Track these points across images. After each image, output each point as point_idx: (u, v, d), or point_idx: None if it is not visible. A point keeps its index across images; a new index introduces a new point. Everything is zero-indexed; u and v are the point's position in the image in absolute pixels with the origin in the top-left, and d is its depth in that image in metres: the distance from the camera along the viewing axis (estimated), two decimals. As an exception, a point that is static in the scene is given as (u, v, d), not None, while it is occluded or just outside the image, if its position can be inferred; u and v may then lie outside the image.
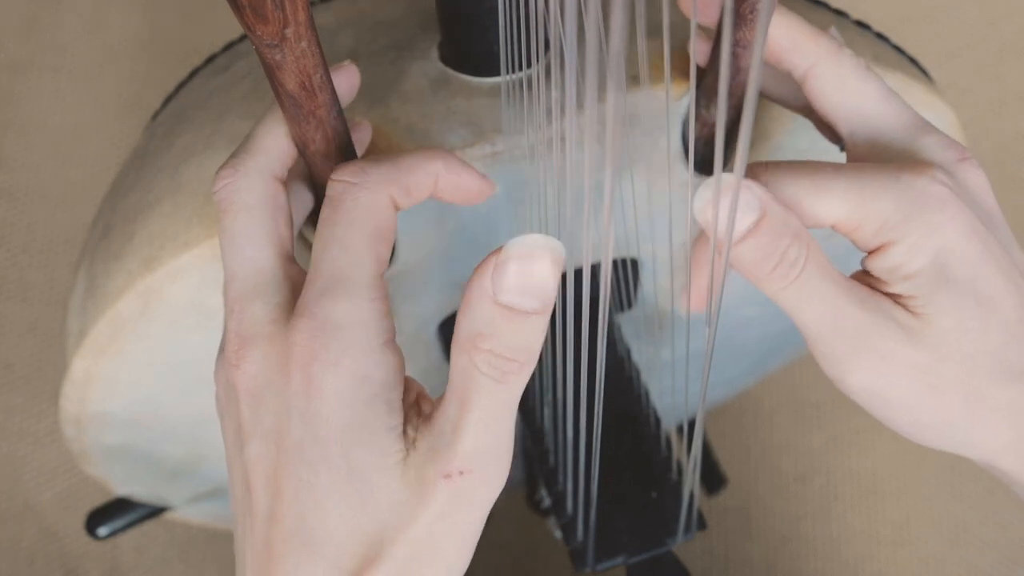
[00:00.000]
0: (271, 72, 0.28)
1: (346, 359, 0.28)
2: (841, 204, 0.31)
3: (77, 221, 0.78)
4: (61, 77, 0.85)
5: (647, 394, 0.46)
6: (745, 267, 0.30)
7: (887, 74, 0.42)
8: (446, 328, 0.46)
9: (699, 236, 0.35)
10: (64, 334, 0.43)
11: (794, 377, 0.73)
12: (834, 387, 0.68)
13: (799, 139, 0.42)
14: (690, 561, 0.43)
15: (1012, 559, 0.69)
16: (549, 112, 0.35)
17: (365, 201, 0.29)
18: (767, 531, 0.70)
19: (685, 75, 0.38)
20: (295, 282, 0.30)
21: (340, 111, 0.31)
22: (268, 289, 0.30)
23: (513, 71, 0.36)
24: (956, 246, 0.30)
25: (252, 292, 0.30)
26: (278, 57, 0.27)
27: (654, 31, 0.38)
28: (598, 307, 0.29)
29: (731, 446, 0.72)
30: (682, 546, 0.43)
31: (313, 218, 0.36)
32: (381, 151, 0.37)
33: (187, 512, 0.57)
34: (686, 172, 0.41)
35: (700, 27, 0.35)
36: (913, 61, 0.46)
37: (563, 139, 0.35)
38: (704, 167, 0.39)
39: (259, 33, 0.26)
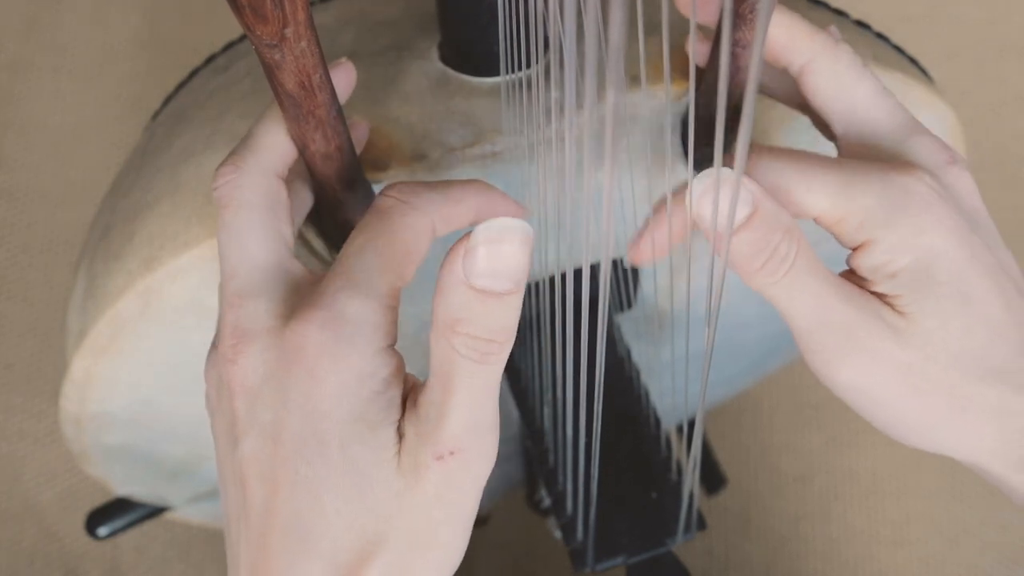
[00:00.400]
0: (270, 72, 0.28)
1: (354, 354, 0.28)
2: (826, 195, 0.31)
3: (77, 221, 0.78)
4: (61, 77, 0.85)
5: (647, 394, 0.46)
6: (736, 261, 0.30)
7: (887, 74, 0.42)
8: (446, 328, 0.46)
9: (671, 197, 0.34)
10: (64, 334, 0.43)
11: (794, 377, 0.73)
12: (834, 387, 0.66)
13: (798, 138, 0.42)
14: (690, 561, 0.43)
15: (1012, 559, 0.69)
16: (549, 112, 0.35)
17: (411, 221, 0.29)
18: (767, 531, 0.70)
19: (684, 75, 0.38)
20: (295, 280, 0.30)
21: (340, 111, 0.31)
22: (270, 285, 0.30)
23: (513, 71, 0.36)
24: (940, 247, 0.31)
25: (254, 288, 0.30)
26: (277, 57, 0.27)
27: (653, 30, 0.38)
28: (598, 307, 0.29)
29: (731, 446, 0.72)
30: (682, 546, 0.43)
31: (312, 217, 0.36)
32: (381, 151, 0.37)
33: (187, 512, 0.57)
34: (686, 172, 0.41)
35: (699, 27, 0.36)
36: (913, 61, 0.46)
37: (563, 139, 0.35)
38: (704, 167, 0.39)
39: (259, 33, 0.26)
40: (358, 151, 0.35)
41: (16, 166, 0.82)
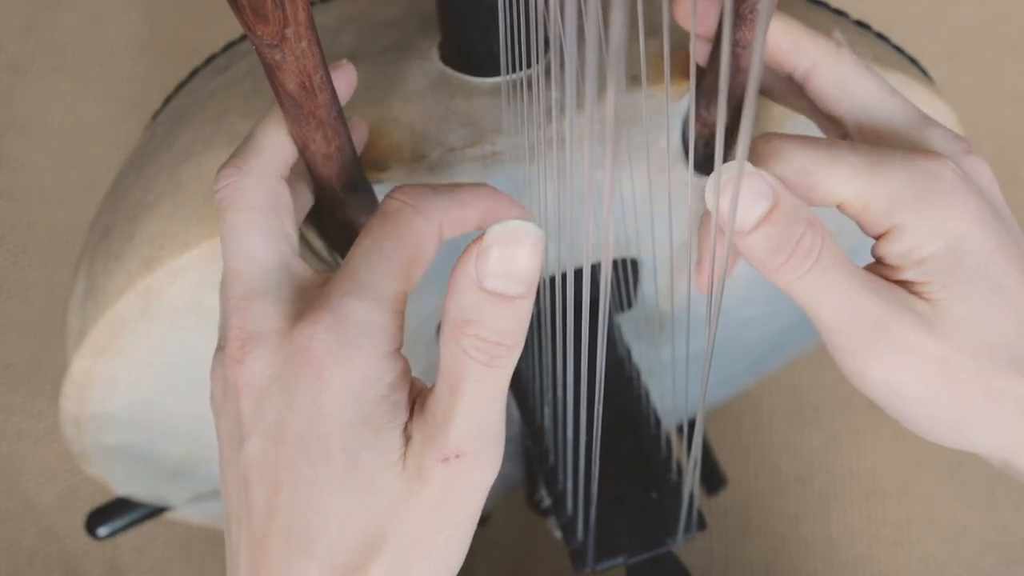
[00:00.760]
0: (271, 72, 0.28)
1: (359, 357, 0.28)
2: (852, 180, 0.30)
3: (77, 221, 0.78)
4: (61, 77, 0.85)
5: (647, 394, 0.46)
6: (757, 258, 0.29)
7: (887, 74, 0.42)
8: (446, 328, 0.46)
9: (704, 218, 0.34)
10: (64, 334, 0.43)
11: (794, 377, 0.73)
12: (834, 387, 0.68)
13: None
14: (690, 561, 0.43)
15: (1012, 559, 0.69)
16: (549, 112, 0.35)
17: (418, 225, 0.29)
18: (767, 531, 0.70)
19: (685, 75, 0.38)
20: (300, 280, 0.30)
21: (340, 111, 0.31)
22: (275, 287, 0.30)
23: (513, 71, 0.36)
24: (970, 232, 0.30)
25: (259, 290, 0.30)
26: (278, 57, 0.27)
27: (654, 31, 0.38)
28: (598, 307, 0.29)
29: (731, 446, 0.72)
30: (682, 546, 0.43)
31: (312, 217, 0.36)
32: (381, 151, 0.37)
33: (187, 512, 0.57)
34: (686, 172, 0.41)
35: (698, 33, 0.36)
36: (913, 61, 0.46)
37: (563, 139, 0.35)
38: (704, 167, 0.39)
39: (259, 33, 0.26)
40: (358, 152, 0.35)
41: (16, 166, 0.82)
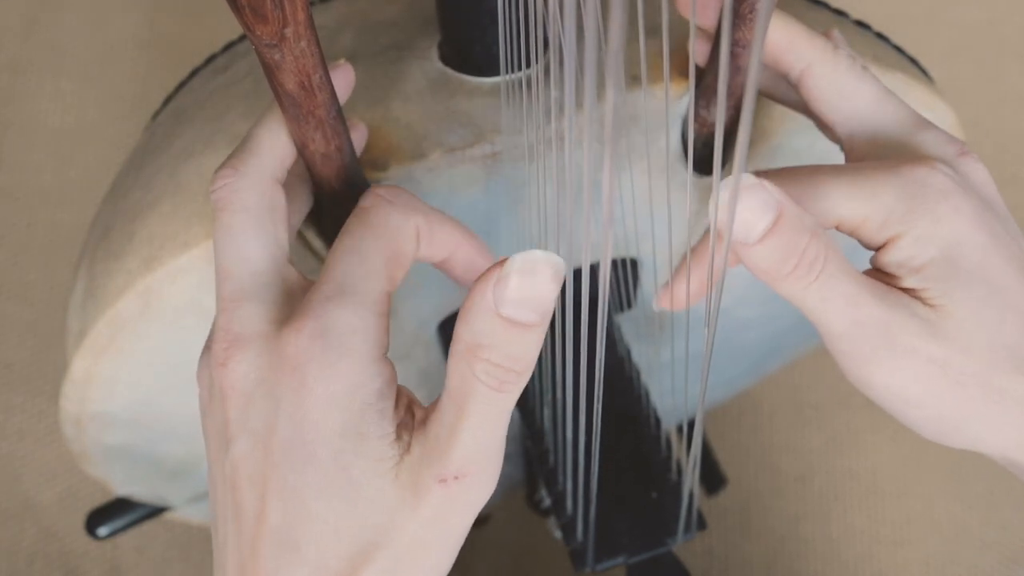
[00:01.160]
0: (270, 72, 0.28)
1: (343, 364, 0.28)
2: (843, 201, 0.30)
3: (77, 221, 0.78)
4: (61, 77, 0.85)
5: (647, 394, 0.46)
6: (763, 269, 0.29)
7: (887, 74, 0.42)
8: (446, 328, 0.46)
9: (704, 235, 0.35)
10: (64, 334, 0.43)
11: (794, 377, 0.73)
12: (834, 387, 0.68)
13: (798, 139, 0.42)
14: (690, 561, 0.43)
15: (1012, 559, 0.69)
16: (548, 112, 0.35)
17: (394, 221, 0.29)
18: (767, 531, 0.70)
19: (684, 75, 0.38)
20: (289, 285, 0.30)
21: (339, 111, 0.31)
22: (263, 290, 0.30)
23: (513, 71, 0.36)
24: (964, 235, 0.30)
25: (247, 292, 0.29)
26: (277, 57, 0.27)
27: (653, 31, 0.38)
28: (598, 307, 0.29)
29: (731, 446, 0.72)
30: (682, 546, 0.43)
31: (311, 217, 0.36)
32: (381, 151, 0.37)
33: (187, 512, 0.57)
34: (686, 172, 0.41)
35: (699, 27, 0.36)
36: (913, 61, 0.46)
37: (562, 139, 0.35)
38: (703, 167, 0.39)
39: (258, 33, 0.26)
40: (358, 153, 0.35)
41: (16, 166, 0.82)
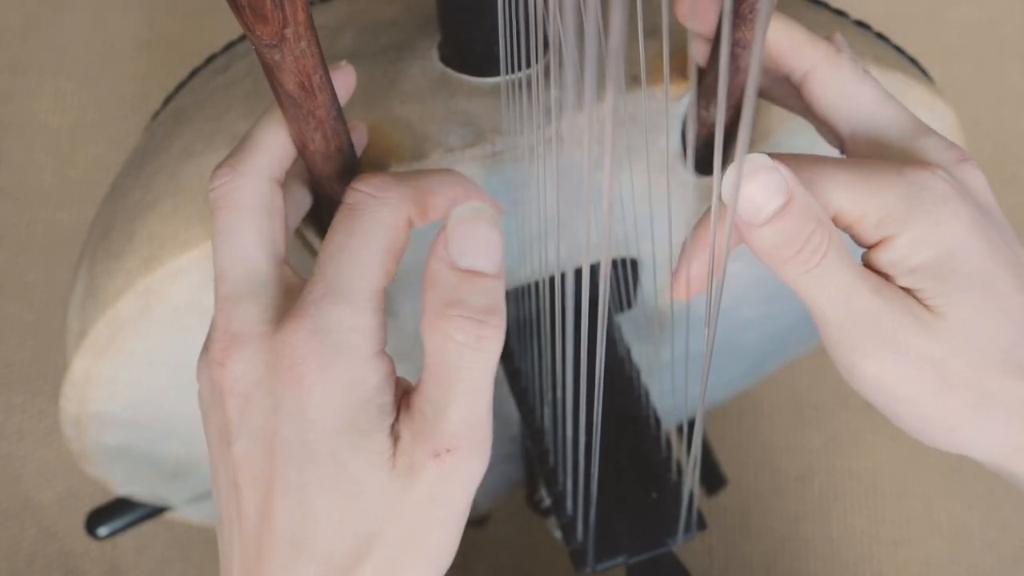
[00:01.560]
0: (270, 72, 0.28)
1: (340, 363, 0.28)
2: (843, 194, 0.31)
3: (77, 221, 0.78)
4: (61, 77, 0.85)
5: (647, 394, 0.46)
6: (766, 251, 0.30)
7: (887, 74, 0.42)
8: (446, 328, 0.46)
9: (699, 223, 0.34)
10: (64, 334, 0.43)
11: (794, 377, 0.73)
12: (834, 387, 0.68)
13: (798, 139, 0.42)
14: (690, 561, 0.43)
15: (1012, 559, 0.69)
16: (549, 112, 0.35)
17: (383, 216, 0.29)
18: (766, 531, 0.70)
19: (684, 75, 0.38)
20: (287, 284, 0.30)
21: (339, 111, 0.31)
22: (260, 290, 0.30)
23: (513, 71, 0.36)
24: (962, 240, 0.30)
25: (244, 292, 0.30)
26: (277, 57, 0.27)
27: (653, 31, 0.38)
28: (598, 307, 0.29)
29: (731, 446, 0.72)
30: (682, 546, 0.43)
31: (311, 217, 0.36)
32: (381, 151, 0.37)
33: (187, 512, 0.57)
34: (686, 172, 0.41)
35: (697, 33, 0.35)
36: (913, 61, 0.46)
37: (563, 139, 0.35)
38: (704, 167, 0.39)
39: (258, 33, 0.26)
40: (358, 153, 0.35)
41: (16, 166, 0.82)
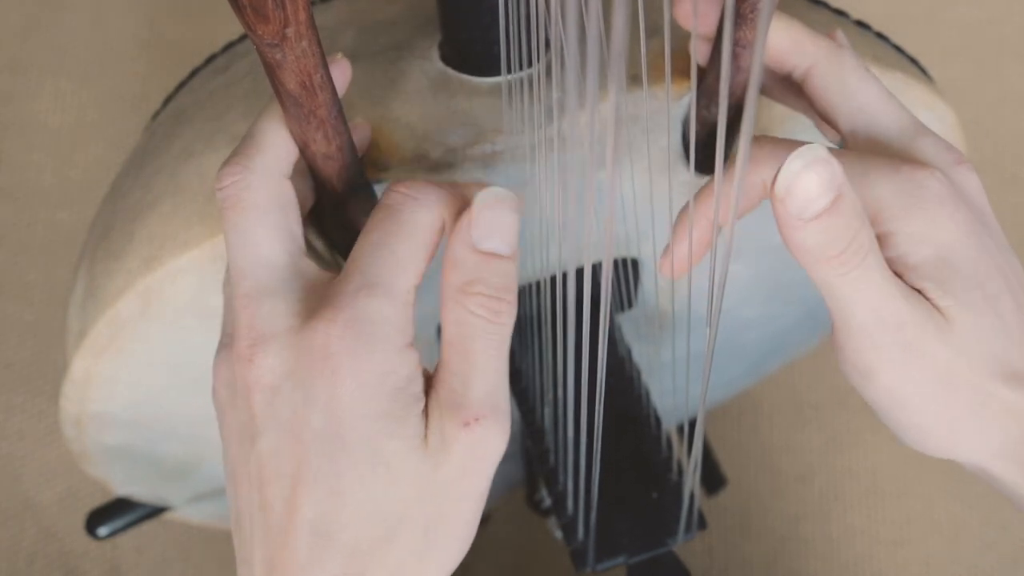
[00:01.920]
0: (272, 72, 0.28)
1: (375, 353, 0.28)
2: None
3: (77, 221, 0.78)
4: (61, 77, 0.85)
5: (647, 394, 0.46)
6: (807, 248, 0.29)
7: (887, 74, 0.42)
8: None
9: (699, 194, 0.34)
10: (64, 334, 0.43)
11: (794, 377, 0.73)
12: (834, 387, 0.68)
13: (799, 138, 0.42)
14: (690, 561, 0.43)
15: (1012, 559, 0.69)
16: (550, 111, 0.35)
17: (421, 216, 0.30)
18: (767, 531, 0.70)
19: (685, 75, 0.38)
20: (308, 278, 0.30)
21: (341, 110, 0.31)
22: (284, 285, 0.30)
23: (513, 71, 0.36)
24: (957, 243, 0.30)
25: (267, 289, 0.30)
26: (279, 56, 0.27)
27: (655, 31, 0.38)
28: (599, 307, 0.29)
29: (731, 446, 0.72)
30: (682, 546, 0.43)
31: (313, 217, 0.36)
32: (382, 150, 0.37)
33: (187, 512, 0.57)
34: (687, 172, 0.41)
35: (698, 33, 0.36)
36: (913, 61, 0.46)
37: (563, 139, 0.35)
38: (705, 167, 0.39)
39: (260, 33, 0.26)
40: (360, 153, 0.35)
41: (16, 166, 0.82)
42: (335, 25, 0.42)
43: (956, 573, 0.69)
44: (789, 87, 0.36)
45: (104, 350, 0.41)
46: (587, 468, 0.38)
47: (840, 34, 0.35)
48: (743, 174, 0.26)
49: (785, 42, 0.34)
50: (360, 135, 0.35)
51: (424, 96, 0.38)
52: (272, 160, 0.31)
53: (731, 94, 0.35)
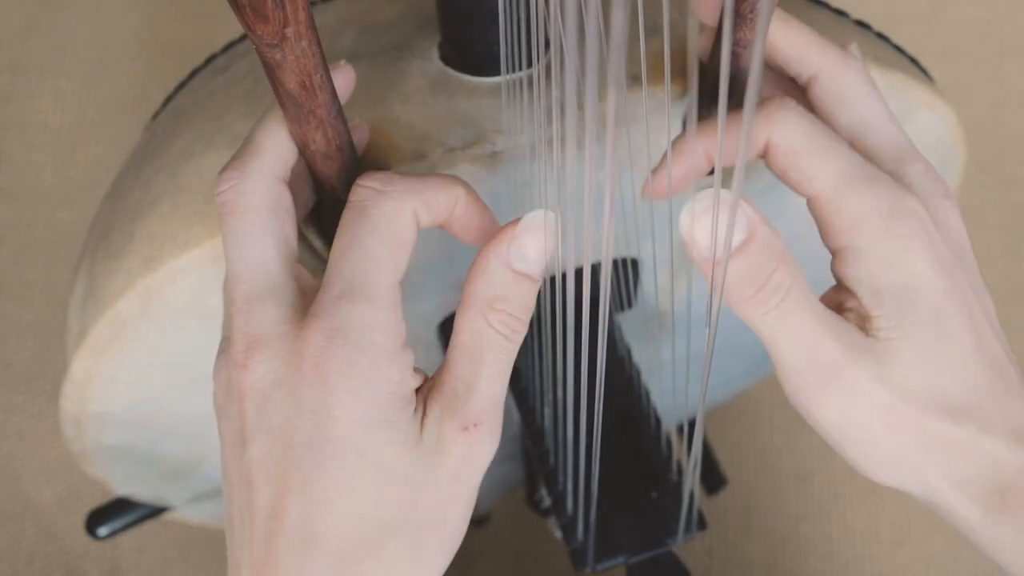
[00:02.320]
0: (271, 72, 0.28)
1: (363, 360, 0.28)
2: (834, 179, 0.31)
3: (77, 221, 0.78)
4: (61, 77, 0.85)
5: (647, 394, 0.46)
6: (726, 288, 0.29)
7: (887, 74, 0.42)
8: (446, 328, 0.46)
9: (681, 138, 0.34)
10: (64, 334, 0.43)
11: (794, 377, 0.73)
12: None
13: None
14: (690, 561, 0.43)
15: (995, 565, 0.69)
16: (549, 112, 0.35)
17: (390, 209, 0.30)
18: (767, 531, 0.70)
19: (685, 75, 0.38)
20: (302, 283, 0.31)
21: (340, 110, 0.31)
22: (277, 291, 0.30)
23: (513, 71, 0.36)
24: (927, 275, 0.30)
25: (261, 294, 0.30)
26: (278, 57, 0.27)
27: (654, 31, 0.38)
28: (598, 307, 0.29)
29: (731, 446, 0.72)
30: (682, 546, 0.43)
31: (311, 217, 0.36)
32: (381, 151, 0.37)
33: (187, 512, 0.57)
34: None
35: (700, 24, 0.35)
36: (913, 61, 0.46)
37: (563, 139, 0.35)
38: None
39: (259, 33, 0.26)
40: (359, 153, 0.35)
41: (16, 166, 0.82)
42: (335, 25, 0.42)
43: (956, 573, 0.69)
44: (790, 93, 0.36)
45: (104, 350, 0.41)
46: (587, 468, 0.38)
47: (854, 47, 0.35)
48: (741, 183, 0.26)
49: (792, 47, 0.34)
50: (358, 136, 0.35)
51: (424, 96, 0.38)
52: (268, 164, 0.31)
53: (731, 94, 0.35)
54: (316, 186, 0.34)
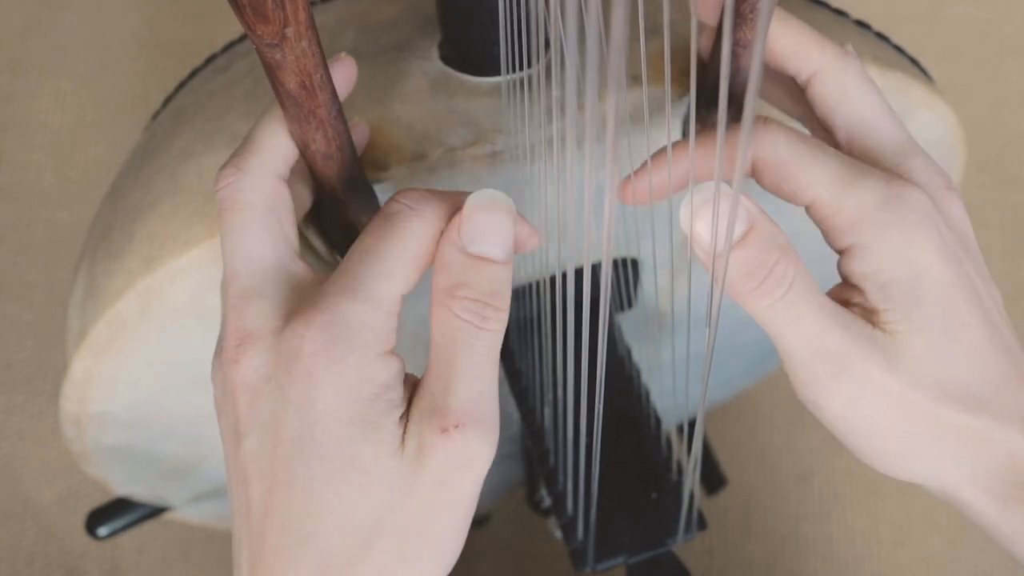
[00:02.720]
0: (271, 72, 0.28)
1: (350, 357, 0.28)
2: (828, 182, 0.31)
3: (77, 221, 0.78)
4: (61, 77, 0.85)
5: (647, 394, 0.46)
6: (729, 282, 0.29)
7: (887, 74, 0.42)
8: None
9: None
10: (64, 334, 0.43)
11: (794, 377, 0.73)
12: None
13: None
14: (690, 561, 0.43)
15: (1012, 559, 0.69)
16: (549, 112, 0.35)
17: (416, 227, 0.30)
18: (767, 531, 0.70)
19: (685, 75, 0.38)
20: (298, 280, 0.30)
21: (340, 110, 0.31)
22: (271, 287, 0.30)
23: (513, 71, 0.36)
24: (933, 267, 0.30)
25: (256, 290, 0.30)
26: (278, 56, 0.27)
27: (654, 31, 0.38)
28: (598, 307, 0.29)
29: (731, 446, 0.72)
30: (682, 546, 0.43)
31: (311, 217, 0.36)
32: (381, 150, 0.37)
33: (187, 512, 0.57)
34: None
35: (701, 24, 0.35)
36: (913, 61, 0.46)
37: (563, 139, 0.35)
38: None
39: (259, 33, 0.26)
40: (359, 152, 0.35)
41: (16, 166, 0.82)
42: (335, 25, 0.42)
43: (956, 573, 0.69)
44: (789, 92, 0.36)
45: (104, 350, 0.41)
46: (587, 468, 0.38)
47: (850, 47, 0.35)
48: (742, 181, 0.26)
49: (791, 46, 0.34)
50: (359, 135, 0.35)
51: (424, 96, 0.38)
52: (267, 161, 0.31)
53: (731, 95, 0.35)
54: (316, 186, 0.34)
